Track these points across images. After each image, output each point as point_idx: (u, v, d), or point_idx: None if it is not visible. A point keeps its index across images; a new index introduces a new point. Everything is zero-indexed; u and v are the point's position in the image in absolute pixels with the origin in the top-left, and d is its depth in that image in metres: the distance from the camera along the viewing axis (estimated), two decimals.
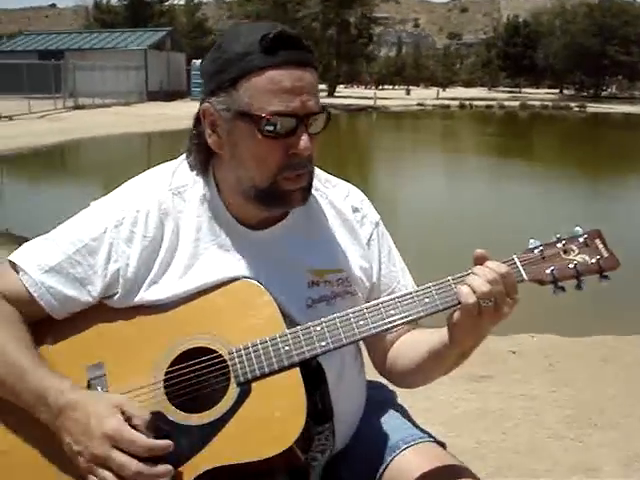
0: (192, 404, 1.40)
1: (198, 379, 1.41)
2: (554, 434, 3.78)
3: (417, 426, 1.69)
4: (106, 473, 1.29)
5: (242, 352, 1.40)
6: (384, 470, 1.56)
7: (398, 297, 1.43)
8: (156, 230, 1.49)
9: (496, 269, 1.36)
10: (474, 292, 1.34)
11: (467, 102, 55.04)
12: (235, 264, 1.50)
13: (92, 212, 1.55)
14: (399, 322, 1.42)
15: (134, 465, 1.29)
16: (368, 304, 1.44)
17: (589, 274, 1.40)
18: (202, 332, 1.44)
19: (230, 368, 1.40)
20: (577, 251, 1.42)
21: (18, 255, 1.51)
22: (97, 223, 1.51)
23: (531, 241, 1.44)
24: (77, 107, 34.17)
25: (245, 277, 1.48)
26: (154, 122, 28.59)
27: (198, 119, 1.50)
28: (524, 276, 1.41)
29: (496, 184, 16.90)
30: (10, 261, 1.51)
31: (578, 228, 1.44)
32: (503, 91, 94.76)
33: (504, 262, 1.40)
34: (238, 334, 1.43)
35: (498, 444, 3.64)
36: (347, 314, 1.42)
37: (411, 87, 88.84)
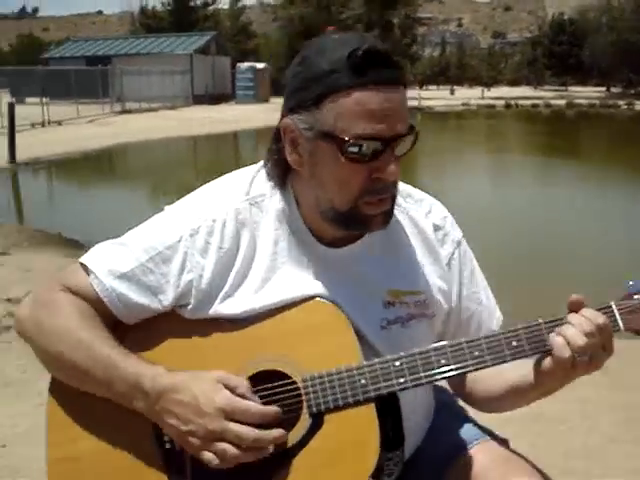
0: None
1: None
2: (610, 438, 3.72)
3: (479, 425, 1.67)
4: (225, 445, 1.30)
5: (317, 381, 1.36)
6: (449, 470, 1.55)
7: (484, 337, 1.37)
8: (232, 241, 1.45)
9: (593, 320, 1.30)
10: (569, 344, 1.29)
11: (512, 101, 54.51)
12: (312, 281, 1.46)
13: (167, 218, 1.51)
14: (483, 365, 1.35)
15: (252, 433, 1.30)
16: (452, 342, 1.37)
17: None
18: (276, 354, 1.40)
19: (303, 397, 1.36)
20: None
21: (90, 258, 1.48)
22: (172, 231, 1.46)
23: (630, 283, 1.37)
24: (124, 111, 34.75)
25: (322, 296, 1.44)
26: (200, 125, 28.90)
27: (277, 134, 1.44)
28: (621, 326, 1.34)
29: (556, 187, 16.60)
30: (81, 263, 1.48)
31: None
32: (549, 90, 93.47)
33: (600, 309, 1.34)
34: (313, 359, 1.38)
35: (553, 448, 3.59)
36: (428, 351, 1.36)
37: (455, 87, 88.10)
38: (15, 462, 3.23)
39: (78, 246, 8.46)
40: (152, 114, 34.52)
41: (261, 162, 1.54)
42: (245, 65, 49.02)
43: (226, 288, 1.44)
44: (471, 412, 1.75)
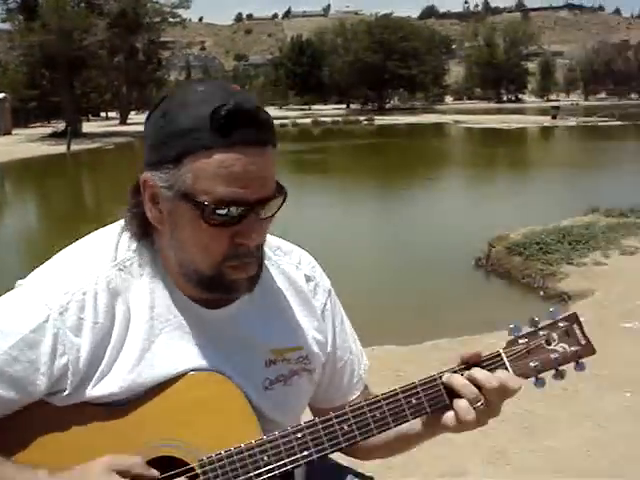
0: None
1: None
2: None
3: (348, 470, 1.63)
4: None
5: (215, 464, 1.26)
6: None
7: (383, 397, 1.34)
8: (106, 314, 1.30)
9: (493, 381, 1.34)
10: (471, 405, 1.32)
11: None
12: (194, 349, 1.35)
13: (26, 296, 1.30)
14: (386, 428, 1.33)
15: None
16: (351, 407, 1.33)
17: (568, 363, 1.40)
18: (165, 437, 1.28)
19: None
20: (557, 340, 1.40)
21: None
22: (36, 310, 1.27)
23: (511, 326, 1.41)
24: None
25: (206, 366, 1.34)
26: None
27: (137, 187, 1.31)
28: (511, 374, 1.38)
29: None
30: None
31: (552, 309, 1.43)
32: (294, 109, 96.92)
33: (490, 358, 1.38)
34: (207, 438, 1.28)
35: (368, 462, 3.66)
36: (330, 419, 1.31)
37: None
38: None
39: None
40: None
41: (121, 222, 1.40)
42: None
43: (102, 366, 1.29)
44: None
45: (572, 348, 1.40)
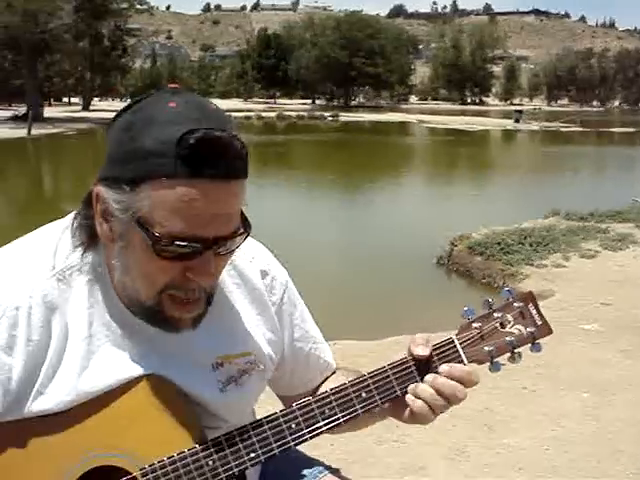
0: None
1: None
2: (377, 439, 3.88)
3: (310, 459, 1.62)
4: None
5: (158, 471, 1.21)
6: None
7: (332, 392, 1.29)
8: (42, 330, 1.22)
9: (450, 376, 1.30)
10: (430, 408, 1.29)
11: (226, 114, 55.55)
12: (133, 360, 1.27)
13: None
14: (335, 424, 1.28)
15: None
16: (299, 403, 1.28)
17: (524, 345, 1.34)
18: (105, 446, 1.23)
19: None
20: (513, 322, 1.35)
21: None
22: None
23: (465, 310, 1.35)
24: None
25: (148, 374, 1.26)
26: None
27: (89, 197, 1.21)
28: (465, 361, 1.33)
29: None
30: None
31: (508, 288, 1.37)
32: (258, 102, 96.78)
33: (443, 345, 1.33)
34: (150, 446, 1.23)
35: (328, 455, 3.65)
36: (277, 418, 1.27)
37: None
38: None
39: None
40: None
41: (63, 221, 1.32)
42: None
43: (38, 385, 1.22)
44: None
45: (528, 330, 1.34)
